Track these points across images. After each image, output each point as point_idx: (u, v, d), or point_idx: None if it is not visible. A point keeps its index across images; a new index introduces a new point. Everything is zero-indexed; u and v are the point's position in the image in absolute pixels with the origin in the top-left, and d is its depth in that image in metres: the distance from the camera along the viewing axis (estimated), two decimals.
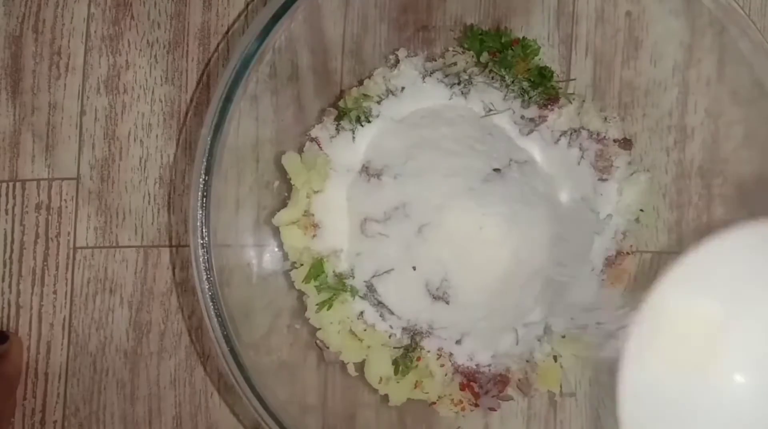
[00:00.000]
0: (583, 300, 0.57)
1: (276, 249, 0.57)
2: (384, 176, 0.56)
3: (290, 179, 0.56)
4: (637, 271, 0.58)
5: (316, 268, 0.56)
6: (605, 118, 0.58)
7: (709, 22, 0.53)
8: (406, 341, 0.57)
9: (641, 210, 0.58)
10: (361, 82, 0.59)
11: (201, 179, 0.47)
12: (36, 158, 0.60)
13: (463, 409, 0.57)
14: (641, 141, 0.58)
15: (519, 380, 0.58)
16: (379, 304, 0.56)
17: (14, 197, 0.60)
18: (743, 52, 0.52)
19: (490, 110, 0.57)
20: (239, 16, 0.60)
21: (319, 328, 0.56)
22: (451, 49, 0.59)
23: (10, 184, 0.60)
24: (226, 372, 0.47)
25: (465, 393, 0.57)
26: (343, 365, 0.57)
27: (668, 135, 0.57)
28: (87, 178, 0.60)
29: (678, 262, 0.43)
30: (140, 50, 0.60)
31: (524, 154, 0.57)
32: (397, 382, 0.56)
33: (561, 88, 0.58)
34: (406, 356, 0.57)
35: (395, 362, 0.57)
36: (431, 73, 0.58)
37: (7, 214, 0.60)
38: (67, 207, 0.60)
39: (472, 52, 0.58)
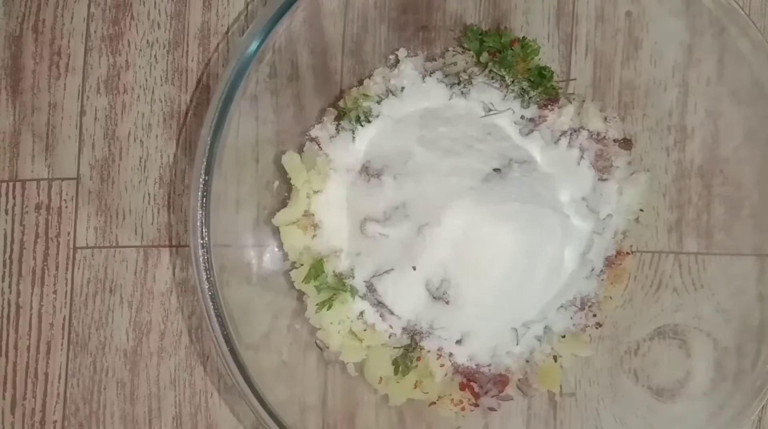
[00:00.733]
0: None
1: (276, 249, 0.57)
2: (384, 176, 0.56)
3: (290, 179, 0.56)
4: (637, 271, 0.58)
5: (316, 268, 0.56)
6: (605, 118, 0.58)
7: (709, 22, 0.53)
8: (406, 341, 0.57)
9: (641, 210, 0.58)
10: (361, 82, 0.59)
11: (201, 179, 0.47)
12: (36, 158, 0.60)
13: (463, 409, 0.57)
14: (641, 141, 0.58)
15: (519, 380, 0.58)
16: (379, 304, 0.56)
17: (14, 197, 0.60)
18: (743, 52, 0.52)
19: (490, 110, 0.57)
20: (239, 16, 0.60)
21: (319, 328, 0.56)
22: (451, 49, 0.59)
23: (10, 184, 0.60)
24: (226, 372, 0.47)
25: (465, 393, 0.57)
26: (343, 365, 0.57)
27: (668, 135, 0.57)
28: (87, 178, 0.60)
29: None
30: (140, 50, 0.60)
31: (524, 153, 0.57)
32: (397, 382, 0.56)
33: (561, 88, 0.58)
34: (406, 356, 0.57)
35: (395, 362, 0.57)
36: (431, 73, 0.58)
37: (7, 214, 0.60)
38: (67, 207, 0.60)
39: (472, 52, 0.58)
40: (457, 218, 0.54)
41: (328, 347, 0.57)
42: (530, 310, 0.57)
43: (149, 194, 0.60)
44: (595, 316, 0.57)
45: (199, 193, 0.47)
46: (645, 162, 0.58)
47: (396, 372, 0.56)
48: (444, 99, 0.58)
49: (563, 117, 0.58)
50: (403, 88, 0.58)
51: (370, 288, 0.56)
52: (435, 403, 0.57)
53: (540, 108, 0.58)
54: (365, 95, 0.58)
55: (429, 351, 0.57)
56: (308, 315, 0.56)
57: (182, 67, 0.60)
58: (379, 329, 0.57)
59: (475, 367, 0.57)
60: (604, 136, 0.58)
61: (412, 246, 0.55)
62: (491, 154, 0.56)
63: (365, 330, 0.57)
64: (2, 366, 0.59)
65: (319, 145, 0.57)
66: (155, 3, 0.60)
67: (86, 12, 0.60)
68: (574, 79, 0.59)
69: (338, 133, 0.57)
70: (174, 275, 0.59)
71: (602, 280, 0.58)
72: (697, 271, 0.57)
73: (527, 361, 0.58)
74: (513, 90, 0.57)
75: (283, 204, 0.57)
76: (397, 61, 0.58)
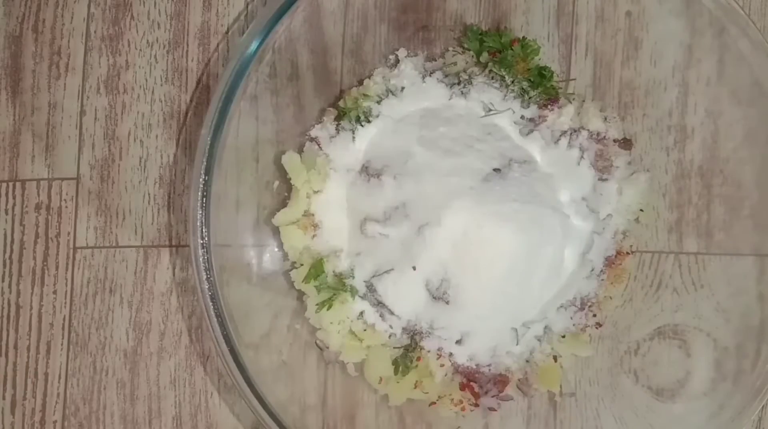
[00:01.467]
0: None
1: (276, 249, 0.57)
2: (384, 176, 0.56)
3: (290, 179, 0.56)
4: (637, 271, 0.58)
5: (316, 268, 0.56)
6: (605, 118, 0.58)
7: (709, 22, 0.53)
8: (406, 341, 0.57)
9: (641, 210, 0.58)
10: (361, 82, 0.59)
11: (201, 179, 0.47)
12: (36, 158, 0.60)
13: (463, 409, 0.57)
14: (641, 141, 0.58)
15: (519, 380, 0.58)
16: (379, 304, 0.56)
17: (14, 197, 0.60)
18: (743, 52, 0.52)
19: (490, 110, 0.57)
20: (239, 16, 0.60)
21: (319, 328, 0.56)
22: (451, 49, 0.59)
23: (10, 184, 0.60)
24: (226, 372, 0.47)
25: (465, 393, 0.57)
26: (343, 365, 0.57)
27: (668, 135, 0.57)
28: (87, 178, 0.60)
29: None
30: (140, 50, 0.60)
31: (524, 153, 0.57)
32: (397, 382, 0.56)
33: (561, 88, 0.58)
34: (406, 356, 0.57)
35: (395, 362, 0.57)
36: (431, 73, 0.58)
37: (7, 214, 0.60)
38: (67, 207, 0.60)
39: (472, 52, 0.58)
40: (457, 218, 0.54)
41: (328, 347, 0.57)
42: (530, 310, 0.57)
43: (149, 194, 0.60)
44: (595, 316, 0.57)
45: (199, 193, 0.47)
46: (645, 162, 0.58)
47: (396, 372, 0.56)
48: (444, 99, 0.58)
49: (563, 117, 0.58)
50: (403, 88, 0.58)
51: (370, 288, 0.56)
52: (435, 403, 0.57)
53: (540, 108, 0.58)
54: (365, 95, 0.58)
55: (429, 351, 0.57)
56: (308, 315, 0.56)
57: (182, 67, 0.60)
58: (379, 329, 0.57)
59: (475, 367, 0.57)
60: (604, 136, 0.58)
61: (412, 246, 0.55)
62: (491, 154, 0.56)
63: (365, 330, 0.57)
64: (2, 366, 0.59)
65: (319, 145, 0.57)
66: (155, 3, 0.60)
67: (86, 12, 0.60)
68: (574, 79, 0.59)
69: (338, 133, 0.57)
70: (174, 275, 0.59)
71: (602, 280, 0.58)
72: (697, 271, 0.57)
73: (527, 361, 0.58)
74: (513, 90, 0.57)
75: (283, 204, 0.57)
76: (397, 61, 0.58)
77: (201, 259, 0.46)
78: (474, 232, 0.54)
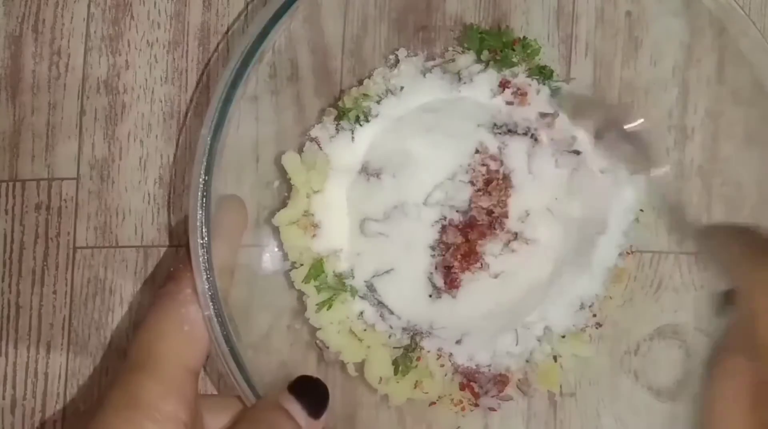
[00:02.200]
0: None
1: (276, 249, 0.57)
2: (383, 175, 0.56)
3: (290, 179, 0.56)
4: (637, 271, 0.58)
5: (316, 268, 0.56)
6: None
7: (709, 22, 0.53)
8: (406, 341, 0.57)
9: (641, 210, 0.58)
10: (361, 82, 0.59)
11: (201, 179, 0.47)
12: (36, 158, 0.60)
13: (463, 409, 0.57)
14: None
15: (519, 380, 0.58)
16: (379, 304, 0.56)
17: (14, 197, 0.60)
18: (743, 52, 0.52)
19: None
20: (239, 16, 0.60)
21: (319, 328, 0.56)
22: (451, 49, 0.59)
23: (10, 184, 0.60)
24: (226, 372, 0.47)
25: (465, 393, 0.57)
26: (343, 365, 0.57)
27: (668, 135, 0.57)
28: (87, 178, 0.60)
29: None
30: (140, 50, 0.60)
31: None
32: (397, 382, 0.56)
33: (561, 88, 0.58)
34: (406, 356, 0.57)
35: (395, 362, 0.57)
36: (431, 69, 0.58)
37: (6, 214, 0.60)
38: (66, 207, 0.60)
39: (472, 52, 0.58)
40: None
41: (328, 347, 0.57)
42: (530, 310, 0.57)
43: (149, 194, 0.60)
44: (595, 316, 0.57)
45: (199, 193, 0.47)
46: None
47: (396, 372, 0.56)
48: (444, 95, 0.58)
49: None
50: (402, 87, 0.58)
51: (370, 288, 0.56)
52: (435, 403, 0.57)
53: None
54: (365, 95, 0.58)
55: (429, 351, 0.57)
56: (308, 315, 0.56)
57: (182, 67, 0.60)
58: (379, 329, 0.57)
59: (475, 367, 0.57)
60: None
61: (412, 245, 0.55)
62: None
63: (365, 330, 0.57)
64: (2, 366, 0.59)
65: (319, 145, 0.57)
66: (155, 3, 0.60)
67: (86, 12, 0.60)
68: (574, 79, 0.59)
69: (338, 133, 0.57)
70: None
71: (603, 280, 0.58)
72: (697, 271, 0.57)
73: (527, 361, 0.58)
74: None
75: (283, 204, 0.57)
76: (397, 61, 0.58)
77: (201, 259, 0.46)
78: None
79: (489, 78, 0.57)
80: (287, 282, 0.57)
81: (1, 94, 0.60)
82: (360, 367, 0.57)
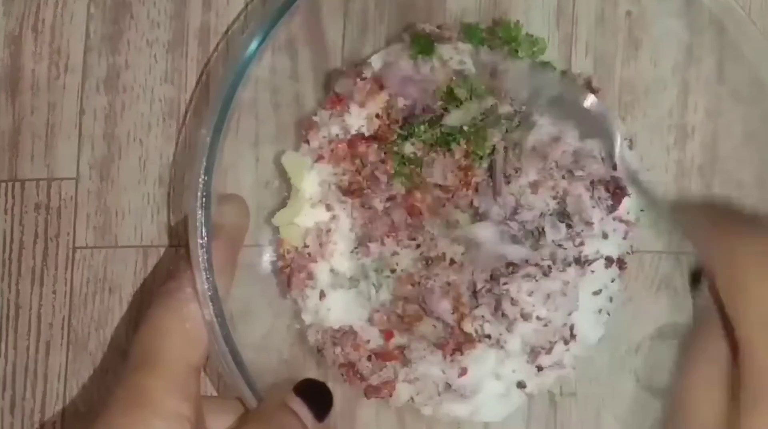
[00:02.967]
0: None
1: (276, 249, 0.57)
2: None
3: (290, 179, 0.56)
4: (637, 271, 0.58)
5: None
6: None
7: (709, 22, 0.53)
8: None
9: (641, 210, 0.58)
10: None
11: (201, 179, 0.47)
12: (35, 158, 0.60)
13: None
14: (641, 141, 0.58)
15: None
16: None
17: (13, 197, 0.60)
18: (743, 52, 0.52)
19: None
20: (239, 16, 0.60)
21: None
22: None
23: (10, 184, 0.60)
24: (226, 372, 0.47)
25: None
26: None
27: (668, 134, 0.57)
28: (86, 178, 0.60)
29: None
30: (140, 50, 0.60)
31: None
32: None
33: None
34: None
35: None
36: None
37: (6, 214, 0.60)
38: (66, 207, 0.60)
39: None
40: None
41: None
42: None
43: (149, 194, 0.59)
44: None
45: (199, 193, 0.47)
46: (645, 162, 0.58)
47: None
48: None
49: None
50: None
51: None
52: None
53: None
54: None
55: None
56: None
57: (182, 67, 0.60)
58: None
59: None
60: None
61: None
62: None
63: None
64: (2, 366, 0.59)
65: None
66: (155, 3, 0.60)
67: (86, 12, 0.60)
68: (574, 79, 0.58)
69: None
70: None
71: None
72: None
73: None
74: None
75: (283, 204, 0.57)
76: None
77: (201, 259, 0.46)
78: None
79: None
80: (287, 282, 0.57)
81: (1, 94, 0.60)
82: None
